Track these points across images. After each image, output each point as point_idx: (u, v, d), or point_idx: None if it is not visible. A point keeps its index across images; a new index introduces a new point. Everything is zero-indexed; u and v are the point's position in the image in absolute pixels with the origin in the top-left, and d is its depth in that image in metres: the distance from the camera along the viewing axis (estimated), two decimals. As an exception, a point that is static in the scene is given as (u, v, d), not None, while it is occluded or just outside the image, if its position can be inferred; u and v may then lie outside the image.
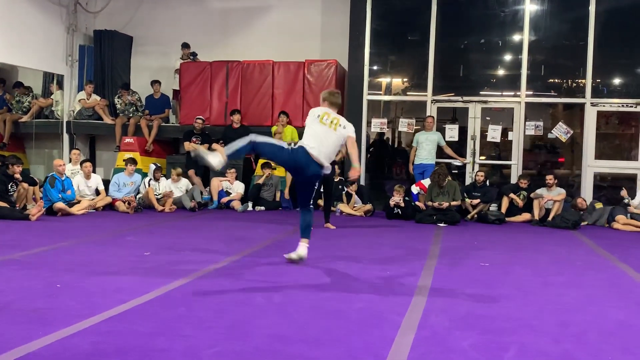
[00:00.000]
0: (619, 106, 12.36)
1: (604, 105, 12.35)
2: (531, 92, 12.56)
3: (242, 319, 4.46)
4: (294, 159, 6.28)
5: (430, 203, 10.93)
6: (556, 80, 12.95)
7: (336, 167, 11.63)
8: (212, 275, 5.90)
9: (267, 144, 6.35)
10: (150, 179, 11.83)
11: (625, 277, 6.44)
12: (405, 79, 13.87)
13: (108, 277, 5.74)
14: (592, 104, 12.29)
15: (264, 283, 5.64)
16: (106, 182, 11.87)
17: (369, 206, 11.70)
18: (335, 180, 11.20)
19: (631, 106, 12.21)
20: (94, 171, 11.94)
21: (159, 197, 11.62)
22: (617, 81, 12.72)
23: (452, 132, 12.82)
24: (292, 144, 6.55)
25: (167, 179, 12.13)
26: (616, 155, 12.89)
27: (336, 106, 6.65)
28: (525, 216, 11.26)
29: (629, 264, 7.10)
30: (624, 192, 10.81)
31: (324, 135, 6.33)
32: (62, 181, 10.68)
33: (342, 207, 11.57)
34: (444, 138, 12.45)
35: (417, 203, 11.27)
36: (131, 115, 13.73)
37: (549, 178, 11.23)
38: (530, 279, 6.21)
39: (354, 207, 11.67)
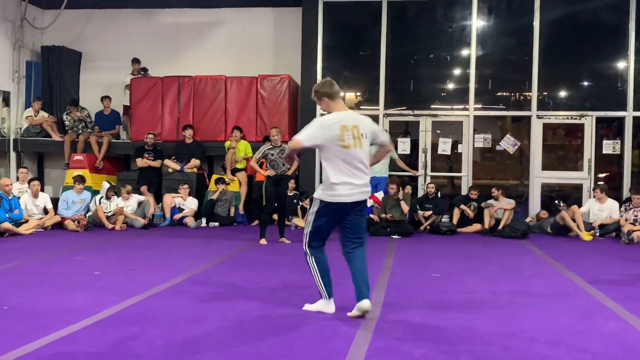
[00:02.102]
0: (564, 118, 12.75)
1: (549, 118, 12.72)
2: (480, 106, 12.85)
3: (195, 336, 4.42)
4: (337, 216, 5.05)
5: (384, 215, 11.04)
6: (503, 94, 13.28)
7: (292, 181, 11.67)
8: (164, 293, 5.83)
9: (313, 233, 5.06)
10: (102, 197, 11.62)
11: (571, 285, 6.61)
12: (358, 93, 14.02)
13: (57, 297, 5.61)
14: (538, 117, 12.64)
15: (217, 300, 5.60)
16: (55, 201, 11.62)
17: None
18: (289, 194, 11.21)
19: (575, 118, 12.61)
20: (42, 189, 11.67)
21: (109, 214, 11.41)
22: (562, 94, 13.11)
23: (404, 145, 13.01)
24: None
25: (117, 196, 11.93)
26: (562, 166, 13.27)
27: (339, 96, 5.17)
28: (476, 227, 11.47)
29: (574, 272, 7.29)
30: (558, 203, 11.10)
31: (352, 161, 4.93)
32: (9, 200, 10.40)
33: (297, 221, 11.57)
34: (397, 151, 12.61)
35: (371, 215, 11.35)
36: (80, 131, 13.49)
37: (494, 190, 11.52)
38: (480, 288, 6.32)
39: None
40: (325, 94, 5.11)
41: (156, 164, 12.61)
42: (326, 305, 5.13)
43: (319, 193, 5.06)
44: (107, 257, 8.13)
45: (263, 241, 9.35)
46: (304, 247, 5.12)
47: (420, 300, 5.70)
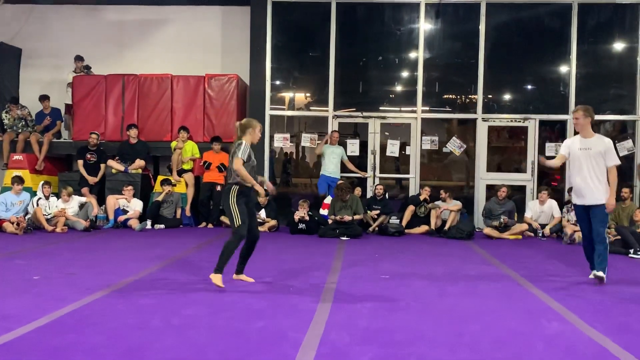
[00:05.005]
0: (508, 121, 13.01)
1: (494, 121, 12.97)
2: (427, 108, 13.00)
3: (138, 343, 4.29)
4: None
5: (333, 217, 11.03)
6: (450, 97, 13.48)
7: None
8: (106, 298, 5.66)
9: None
10: (40, 198, 11.22)
11: (515, 286, 6.72)
12: (307, 94, 13.99)
13: (-8, 304, 5.38)
14: (484, 119, 12.87)
15: (161, 305, 5.46)
16: (-8, 202, 11.18)
17: (273, 222, 11.64)
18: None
19: (519, 121, 12.88)
20: (-22, 190, 11.22)
21: (48, 217, 11.04)
22: (506, 97, 13.40)
23: (353, 146, 13.04)
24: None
25: (58, 197, 11.54)
26: (507, 167, 13.54)
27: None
28: (424, 228, 11.59)
29: (519, 273, 7.43)
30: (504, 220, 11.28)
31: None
32: (-58, 202, 9.96)
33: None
34: (346, 153, 12.64)
35: (329, 220, 11.27)
36: (20, 130, 13.03)
37: (442, 193, 11.69)
38: (427, 290, 6.36)
39: (265, 219, 11.54)
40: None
41: (94, 179, 12.26)
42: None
43: None
44: (47, 261, 7.86)
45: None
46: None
47: (368, 302, 5.69)
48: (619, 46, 12.93)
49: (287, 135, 13.42)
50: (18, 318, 4.85)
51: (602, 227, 6.92)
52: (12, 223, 10.50)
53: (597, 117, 12.41)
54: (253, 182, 6.24)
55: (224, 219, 11.53)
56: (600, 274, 6.79)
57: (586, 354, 4.27)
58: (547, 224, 11.31)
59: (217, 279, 6.14)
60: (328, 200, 11.67)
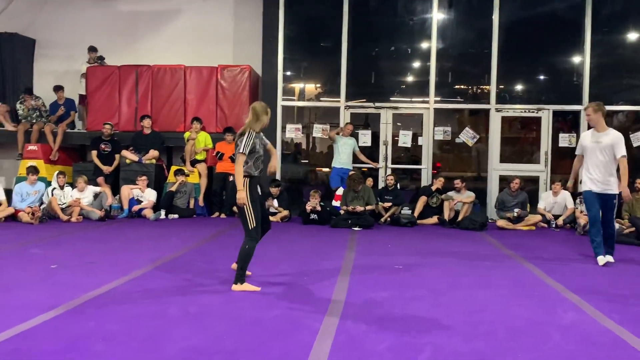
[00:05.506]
0: (522, 112, 12.95)
1: (507, 111, 12.91)
2: (439, 99, 12.96)
3: (156, 331, 4.34)
4: None
5: (345, 207, 11.06)
6: (463, 87, 13.43)
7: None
8: (124, 288, 5.72)
9: None
10: (55, 188, 11.32)
11: (529, 275, 6.73)
12: (318, 85, 13.98)
13: (11, 292, 5.44)
14: (497, 110, 12.82)
15: (177, 294, 5.51)
16: (8, 192, 11.29)
17: (285, 212, 11.68)
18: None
19: (532, 111, 12.82)
20: (-6, 180, 11.33)
21: (63, 206, 11.14)
22: (519, 88, 13.32)
23: (365, 137, 13.03)
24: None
25: (73, 187, 11.64)
26: (519, 158, 13.49)
27: None
28: (436, 219, 11.58)
29: (533, 264, 7.42)
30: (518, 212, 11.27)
31: None
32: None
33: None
34: (358, 144, 12.64)
35: (341, 211, 11.31)
36: (34, 121, 13.13)
37: (457, 182, 11.64)
38: (441, 280, 6.38)
39: (276, 207, 11.61)
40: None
41: (108, 169, 12.33)
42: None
43: None
44: (63, 250, 7.94)
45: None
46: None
47: (382, 292, 5.71)
48: (633, 36, 12.82)
49: (299, 126, 13.44)
50: (37, 306, 4.91)
51: (612, 215, 7.50)
52: (28, 213, 10.61)
53: (611, 107, 12.49)
54: (240, 188, 5.69)
55: (236, 208, 11.56)
56: (611, 258, 7.36)
57: (602, 343, 4.28)
58: (560, 215, 11.28)
59: (244, 287, 5.69)
60: (340, 191, 11.68)
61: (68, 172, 12.37)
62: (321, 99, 13.74)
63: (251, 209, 5.76)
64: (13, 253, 7.65)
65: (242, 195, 5.68)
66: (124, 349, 3.95)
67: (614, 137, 7.37)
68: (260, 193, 6.05)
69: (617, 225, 10.10)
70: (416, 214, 11.60)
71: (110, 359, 3.75)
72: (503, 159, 12.94)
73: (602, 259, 7.33)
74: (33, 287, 5.67)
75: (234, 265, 6.11)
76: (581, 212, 10.88)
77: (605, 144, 7.34)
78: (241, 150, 5.69)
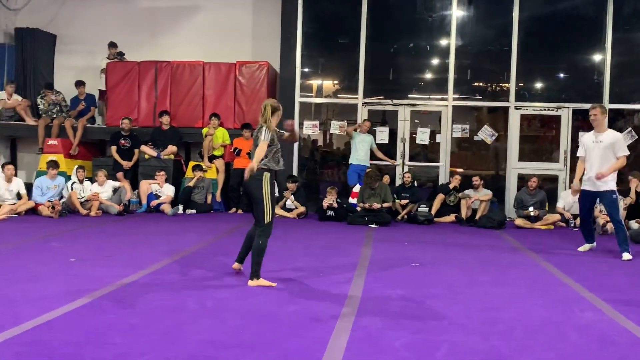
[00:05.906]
0: (541, 110, 12.86)
1: (526, 109, 12.83)
2: (458, 96, 12.89)
3: (174, 325, 4.38)
4: None
5: (361, 204, 11.05)
6: (481, 84, 13.35)
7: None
8: (142, 281, 5.77)
9: None
10: (74, 182, 11.44)
11: (547, 275, 6.69)
12: (336, 82, 13.98)
13: (31, 284, 5.51)
14: (516, 108, 12.74)
15: (195, 288, 5.55)
16: (28, 186, 11.42)
17: (302, 208, 11.71)
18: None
19: (552, 110, 12.72)
20: (15, 174, 11.45)
21: (82, 200, 11.25)
22: (538, 86, 13.23)
23: (382, 134, 13.01)
24: None
25: (92, 182, 11.75)
26: (538, 157, 13.39)
27: None
28: (453, 217, 11.53)
29: (550, 262, 7.38)
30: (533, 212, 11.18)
31: None
32: (-19, 185, 10.21)
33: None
34: (375, 140, 12.62)
35: (357, 208, 11.31)
36: (55, 115, 13.26)
37: (475, 179, 11.58)
38: (458, 279, 6.36)
39: (294, 201, 11.65)
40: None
41: (128, 164, 12.43)
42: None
43: None
44: (82, 243, 8.02)
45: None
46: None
47: (399, 289, 5.71)
48: (655, 34, 12.68)
49: (317, 123, 13.45)
50: (56, 298, 4.97)
51: (615, 212, 7.85)
52: (48, 207, 10.73)
53: (631, 106, 12.37)
54: (253, 166, 5.70)
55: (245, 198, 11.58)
56: (627, 255, 7.59)
57: (620, 343, 4.25)
58: (579, 214, 11.17)
59: (260, 282, 5.69)
60: (357, 189, 11.68)
61: (87, 167, 12.49)
62: (339, 95, 13.73)
63: (270, 202, 5.79)
64: (33, 246, 7.75)
65: (252, 166, 5.66)
66: (143, 342, 3.99)
67: (614, 137, 7.79)
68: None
69: (636, 225, 10.08)
70: (433, 211, 11.57)
71: (130, 351, 3.79)
72: (522, 157, 12.85)
73: (586, 246, 8.20)
74: (53, 280, 5.74)
75: (235, 266, 6.21)
76: (600, 211, 10.79)
77: (607, 143, 7.68)
78: (263, 139, 5.74)
